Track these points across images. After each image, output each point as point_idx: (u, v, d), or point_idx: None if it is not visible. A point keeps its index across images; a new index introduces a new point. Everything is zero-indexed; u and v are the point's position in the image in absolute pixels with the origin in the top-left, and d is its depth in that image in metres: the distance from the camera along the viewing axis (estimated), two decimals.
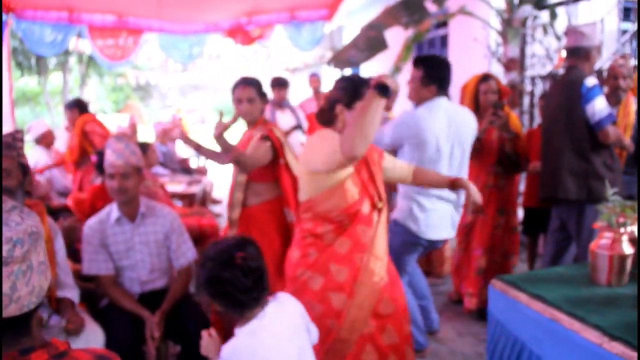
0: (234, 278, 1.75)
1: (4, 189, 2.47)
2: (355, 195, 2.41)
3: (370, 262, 2.41)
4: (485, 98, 4.00)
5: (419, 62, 3.26)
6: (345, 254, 2.41)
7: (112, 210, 3.03)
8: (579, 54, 3.51)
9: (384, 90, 2.08)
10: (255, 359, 1.73)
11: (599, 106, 3.32)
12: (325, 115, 2.49)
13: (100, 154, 4.85)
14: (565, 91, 3.52)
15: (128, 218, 3.02)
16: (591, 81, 3.38)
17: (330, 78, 14.91)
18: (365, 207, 2.45)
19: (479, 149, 3.93)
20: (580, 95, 3.39)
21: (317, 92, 7.93)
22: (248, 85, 3.23)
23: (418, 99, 3.27)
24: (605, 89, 3.87)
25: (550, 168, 3.57)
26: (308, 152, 2.45)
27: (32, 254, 1.19)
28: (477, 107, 4.06)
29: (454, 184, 2.66)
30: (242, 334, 1.80)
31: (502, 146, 4.02)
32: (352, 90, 2.41)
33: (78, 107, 6.04)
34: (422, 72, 3.22)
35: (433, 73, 3.21)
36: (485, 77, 4.05)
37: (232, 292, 1.76)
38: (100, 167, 4.74)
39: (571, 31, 3.60)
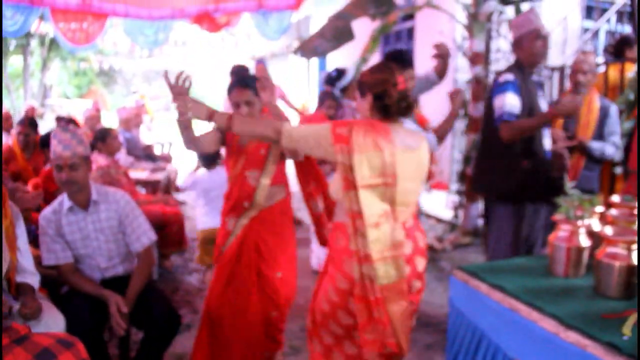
0: None
1: None
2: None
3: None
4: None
5: None
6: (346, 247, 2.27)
7: (64, 200, 2.98)
8: (517, 45, 3.41)
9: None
10: None
11: (499, 102, 3.26)
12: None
13: (45, 136, 4.80)
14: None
15: (80, 206, 2.97)
16: (507, 77, 3.28)
17: (297, 67, 14.90)
18: None
19: None
20: (492, 90, 3.41)
21: (261, 80, 7.83)
22: (244, 88, 2.96)
23: None
24: (569, 85, 3.91)
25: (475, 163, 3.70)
26: None
27: None
28: None
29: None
30: None
31: None
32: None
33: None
34: None
35: None
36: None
37: None
38: (44, 144, 4.70)
39: (510, 27, 3.56)
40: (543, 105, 3.39)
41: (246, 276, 3.06)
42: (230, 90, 2.99)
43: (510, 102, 3.21)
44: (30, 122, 5.63)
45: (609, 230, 1.93)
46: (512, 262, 2.33)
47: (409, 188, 2.14)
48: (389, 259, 2.05)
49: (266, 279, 3.07)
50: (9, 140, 6.12)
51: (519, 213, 3.33)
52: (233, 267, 3.07)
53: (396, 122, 2.21)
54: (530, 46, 3.34)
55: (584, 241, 2.07)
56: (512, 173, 3.30)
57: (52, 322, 2.63)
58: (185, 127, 2.67)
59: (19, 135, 5.40)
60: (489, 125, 3.44)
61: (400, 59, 3.41)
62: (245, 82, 2.98)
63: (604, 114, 3.71)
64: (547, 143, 3.39)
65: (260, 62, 7.83)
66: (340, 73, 4.92)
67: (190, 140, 2.78)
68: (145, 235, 3.09)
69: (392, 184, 2.08)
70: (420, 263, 2.19)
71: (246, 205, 3.03)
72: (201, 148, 2.94)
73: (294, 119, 3.10)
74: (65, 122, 5.91)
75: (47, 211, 2.99)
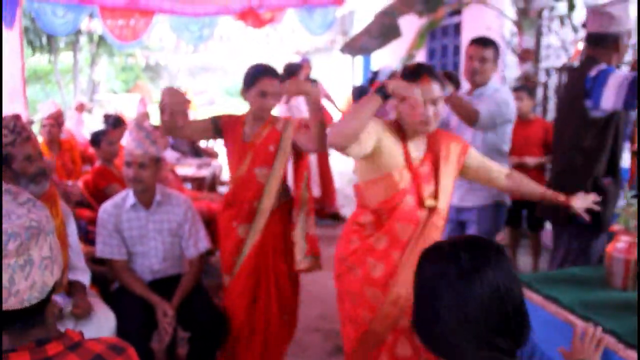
0: None
1: (26, 175, 2.45)
2: (398, 189, 2.31)
3: (409, 262, 2.30)
4: None
5: (488, 42, 3.30)
6: (383, 249, 2.34)
7: (128, 196, 3.02)
8: (604, 42, 2.85)
9: (385, 95, 2.13)
10: None
11: (612, 91, 2.70)
12: None
13: (96, 133, 4.86)
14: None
15: (143, 205, 3.02)
16: (601, 67, 2.79)
17: (341, 63, 14.85)
18: (407, 203, 2.32)
19: None
20: (588, 83, 2.81)
21: (307, 79, 7.81)
22: (275, 78, 2.83)
23: (484, 80, 3.32)
24: None
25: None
26: None
27: (31, 249, 1.18)
28: None
29: (546, 197, 2.57)
30: None
31: None
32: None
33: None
34: (493, 52, 3.31)
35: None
36: None
37: None
38: (95, 142, 4.76)
39: (594, 13, 2.92)
40: None
41: (267, 286, 2.96)
42: (259, 77, 2.81)
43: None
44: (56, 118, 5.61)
45: None
46: (566, 272, 2.26)
47: None
48: None
49: (284, 281, 3.01)
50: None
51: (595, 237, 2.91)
52: (255, 280, 2.96)
53: None
54: (625, 47, 2.91)
55: None
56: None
57: (104, 320, 2.68)
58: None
59: (44, 127, 5.40)
60: (577, 134, 2.91)
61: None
62: (276, 71, 2.88)
63: None
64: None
65: (305, 61, 7.84)
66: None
67: (171, 123, 2.75)
68: (201, 242, 3.12)
69: None
70: None
71: (256, 206, 2.87)
72: (187, 134, 2.94)
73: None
74: (113, 120, 6.00)
75: (108, 205, 3.04)
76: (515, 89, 4.62)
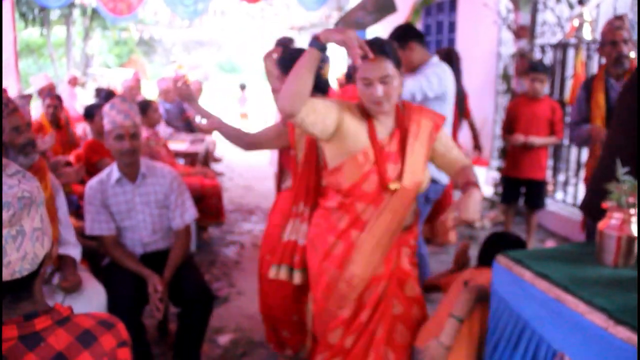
0: None
1: (14, 146, 2.45)
2: (364, 171, 2.24)
3: (366, 242, 2.29)
4: None
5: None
6: (343, 229, 2.32)
7: (113, 171, 3.01)
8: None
9: (320, 46, 2.06)
10: None
11: None
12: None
13: (91, 107, 4.82)
14: None
15: (129, 179, 3.00)
16: None
17: None
18: (369, 185, 2.26)
19: None
20: None
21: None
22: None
23: (414, 66, 3.35)
24: (603, 60, 3.50)
25: None
26: None
27: (23, 219, 1.17)
28: None
29: (464, 188, 2.22)
30: None
31: None
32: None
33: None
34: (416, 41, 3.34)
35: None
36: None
37: None
38: (89, 116, 4.73)
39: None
40: None
41: None
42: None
43: None
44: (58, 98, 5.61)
45: None
46: (558, 249, 2.26)
47: None
48: None
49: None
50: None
51: None
52: None
53: None
54: None
55: (635, 230, 1.99)
56: None
57: (93, 295, 2.68)
58: (231, 136, 2.73)
59: (49, 108, 5.39)
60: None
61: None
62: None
63: None
64: None
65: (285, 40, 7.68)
66: None
67: (248, 144, 2.76)
68: (187, 213, 3.11)
69: None
70: None
71: None
72: (264, 147, 2.88)
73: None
74: (105, 94, 5.95)
75: (93, 181, 3.02)
76: (535, 70, 4.55)
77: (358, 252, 2.31)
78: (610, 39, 3.35)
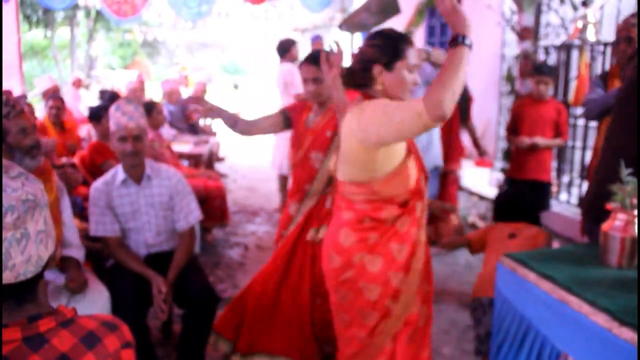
0: None
1: (21, 148, 2.44)
2: (416, 175, 2.20)
3: (421, 235, 2.25)
4: None
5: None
6: (406, 231, 2.21)
7: (118, 172, 3.01)
8: None
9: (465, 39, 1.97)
10: None
11: None
12: (359, 77, 2.17)
13: (97, 108, 4.83)
14: None
15: (134, 180, 3.01)
16: None
17: (340, 41, 14.74)
18: (422, 184, 2.27)
19: None
20: None
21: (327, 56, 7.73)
22: (312, 64, 2.83)
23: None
24: (607, 62, 3.48)
25: None
26: (364, 126, 2.02)
27: (27, 222, 1.18)
28: None
29: None
30: None
31: None
32: (392, 48, 2.12)
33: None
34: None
35: None
36: None
37: None
38: (95, 118, 4.73)
39: None
40: None
41: (301, 265, 2.95)
42: (300, 65, 2.95)
43: None
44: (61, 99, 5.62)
45: None
46: (562, 250, 2.26)
47: None
48: None
49: (319, 269, 3.00)
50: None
51: None
52: (290, 256, 2.97)
53: None
54: None
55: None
56: None
57: (97, 296, 2.68)
58: (232, 124, 2.87)
59: (51, 109, 5.40)
60: None
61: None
62: (315, 57, 2.81)
63: None
64: None
65: (318, 37, 7.68)
66: None
67: (244, 130, 2.93)
68: (192, 214, 3.11)
69: None
70: None
71: (307, 188, 2.95)
72: (260, 132, 3.02)
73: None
74: (109, 95, 5.96)
75: (99, 182, 3.03)
76: (540, 73, 4.53)
77: (419, 248, 2.24)
78: (626, 35, 3.33)
